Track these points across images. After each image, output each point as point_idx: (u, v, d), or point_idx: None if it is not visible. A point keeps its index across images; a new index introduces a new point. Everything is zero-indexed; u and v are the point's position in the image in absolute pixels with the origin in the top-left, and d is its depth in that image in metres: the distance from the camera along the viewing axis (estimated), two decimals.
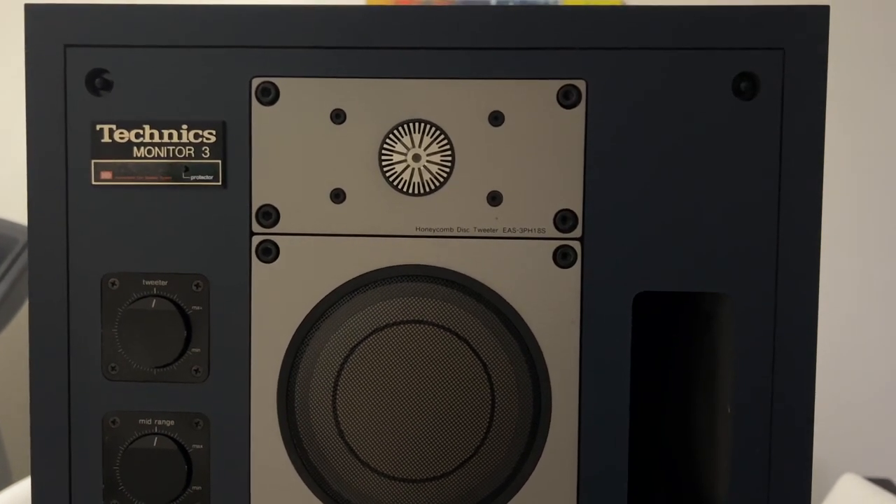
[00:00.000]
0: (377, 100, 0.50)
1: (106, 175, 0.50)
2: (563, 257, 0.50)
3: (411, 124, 0.50)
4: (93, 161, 0.50)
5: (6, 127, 1.43)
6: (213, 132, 0.50)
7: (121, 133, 0.50)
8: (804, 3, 0.48)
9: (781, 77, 0.48)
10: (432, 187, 0.50)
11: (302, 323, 0.50)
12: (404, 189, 0.50)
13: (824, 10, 0.48)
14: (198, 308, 0.50)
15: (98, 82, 0.50)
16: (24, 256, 1.49)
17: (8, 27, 1.15)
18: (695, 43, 0.48)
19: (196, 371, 0.51)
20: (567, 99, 0.49)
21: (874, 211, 1.55)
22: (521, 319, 0.50)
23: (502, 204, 0.50)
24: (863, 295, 1.56)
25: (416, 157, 0.50)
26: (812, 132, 0.48)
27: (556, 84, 0.49)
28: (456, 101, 0.49)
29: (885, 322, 1.59)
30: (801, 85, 0.48)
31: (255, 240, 0.50)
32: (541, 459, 0.50)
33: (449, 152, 0.50)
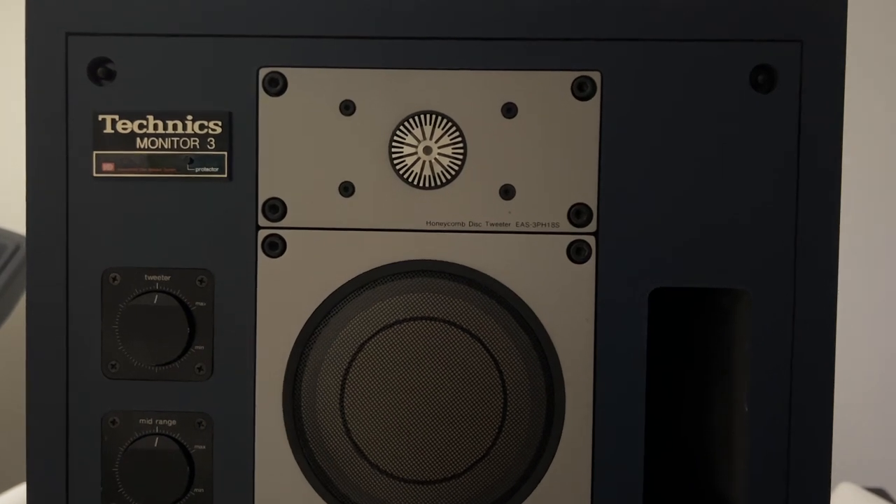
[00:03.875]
0: (387, 91, 0.48)
1: (108, 167, 0.49)
2: (577, 252, 0.49)
3: (422, 116, 0.49)
4: (94, 152, 0.49)
5: None
6: (219, 123, 0.49)
7: (123, 124, 0.49)
8: None
9: (799, 69, 0.47)
10: (443, 180, 0.49)
11: (309, 319, 0.49)
12: (415, 182, 0.49)
13: (842, 3, 0.47)
14: (202, 304, 0.49)
15: (101, 72, 0.49)
16: (13, 263, 1.47)
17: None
18: (712, 35, 0.48)
19: (199, 369, 0.49)
20: (581, 91, 0.48)
21: (864, 215, 1.55)
22: (535, 316, 0.49)
23: (515, 198, 0.49)
24: (860, 301, 1.56)
25: (427, 150, 0.49)
26: (830, 125, 0.47)
27: (571, 75, 0.48)
28: (468, 92, 0.48)
29: (883, 330, 1.58)
30: (819, 77, 0.47)
31: (262, 234, 0.49)
32: (554, 460, 0.49)
33: (461, 145, 0.49)
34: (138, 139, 0.49)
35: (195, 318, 0.49)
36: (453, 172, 0.49)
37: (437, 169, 0.49)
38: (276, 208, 0.49)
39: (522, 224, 0.49)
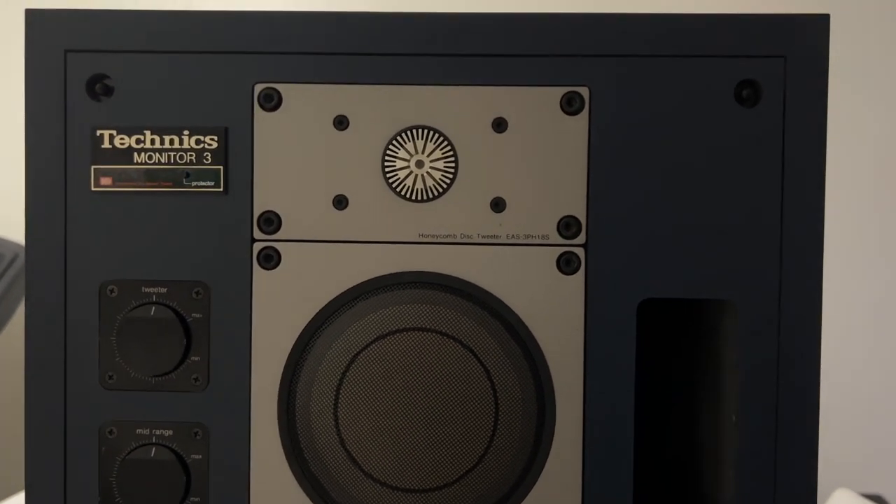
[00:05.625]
0: (380, 106, 0.49)
1: (106, 181, 0.50)
2: (566, 264, 0.49)
3: (414, 130, 0.50)
4: (92, 167, 0.50)
5: None
6: (215, 138, 0.49)
7: (121, 139, 0.50)
8: (805, 11, 0.49)
9: (783, 84, 0.48)
10: (435, 193, 0.50)
11: (303, 331, 0.50)
12: (407, 195, 0.50)
13: (825, 19, 0.48)
14: (198, 316, 0.50)
15: (99, 88, 0.50)
16: (11, 272, 1.48)
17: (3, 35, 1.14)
18: (697, 50, 0.49)
19: (195, 380, 0.50)
20: (570, 105, 0.49)
21: (864, 216, 1.55)
22: (525, 326, 0.49)
23: (506, 210, 0.50)
24: (859, 307, 1.56)
25: (420, 164, 0.50)
26: (814, 139, 0.48)
27: (560, 91, 0.49)
28: (459, 107, 0.49)
29: (877, 334, 1.59)
30: (802, 92, 0.48)
31: (257, 246, 0.50)
32: (545, 469, 0.50)
33: (452, 158, 0.50)
34: (136, 154, 0.50)
35: (191, 330, 0.50)
36: (445, 186, 0.50)
37: (429, 182, 0.50)
38: (271, 221, 0.50)
39: (513, 236, 0.50)
